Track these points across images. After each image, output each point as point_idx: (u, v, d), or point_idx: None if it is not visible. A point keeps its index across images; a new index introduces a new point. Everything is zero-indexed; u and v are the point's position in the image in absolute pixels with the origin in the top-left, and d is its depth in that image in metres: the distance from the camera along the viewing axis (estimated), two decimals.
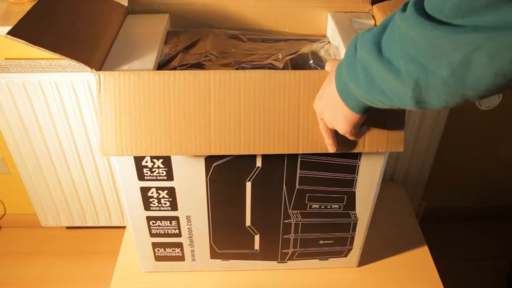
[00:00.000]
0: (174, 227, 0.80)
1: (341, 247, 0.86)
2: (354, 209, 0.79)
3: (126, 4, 0.80)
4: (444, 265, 1.03)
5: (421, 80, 0.39)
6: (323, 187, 0.75)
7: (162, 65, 0.73)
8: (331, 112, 0.57)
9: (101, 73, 0.61)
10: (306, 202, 0.77)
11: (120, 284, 0.89)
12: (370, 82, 0.46)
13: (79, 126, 1.15)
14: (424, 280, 0.91)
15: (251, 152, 0.64)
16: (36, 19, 0.59)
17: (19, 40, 0.53)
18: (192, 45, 0.79)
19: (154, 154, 0.64)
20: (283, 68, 0.73)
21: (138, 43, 0.71)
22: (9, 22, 1.05)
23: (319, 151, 0.65)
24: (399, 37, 0.40)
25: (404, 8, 0.40)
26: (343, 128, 0.57)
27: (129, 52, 0.68)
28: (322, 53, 0.78)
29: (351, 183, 0.75)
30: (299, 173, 0.72)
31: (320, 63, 0.75)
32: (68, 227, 1.46)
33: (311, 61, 0.76)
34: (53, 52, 0.56)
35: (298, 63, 0.76)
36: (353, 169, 0.72)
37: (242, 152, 0.64)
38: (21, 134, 1.16)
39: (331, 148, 0.65)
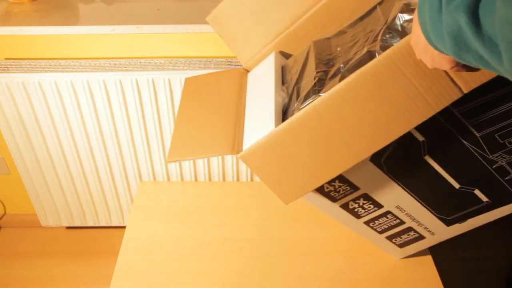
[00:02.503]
0: (393, 219, 0.81)
1: None
2: None
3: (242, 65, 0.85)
4: (444, 265, 1.03)
5: None
6: (507, 121, 0.67)
7: (285, 110, 0.75)
8: (427, 56, 0.52)
9: (242, 153, 0.68)
10: (502, 141, 0.70)
11: (120, 284, 0.89)
12: (462, 49, 0.38)
13: (79, 126, 1.15)
14: (424, 280, 0.91)
15: (392, 138, 0.63)
16: (179, 141, 0.75)
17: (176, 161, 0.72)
18: (302, 71, 0.78)
19: (318, 184, 0.69)
20: (382, 48, 0.67)
21: (258, 101, 0.77)
22: (9, 22, 1.05)
23: (453, 99, 0.59)
24: (499, 13, 0.32)
25: None
26: (446, 68, 0.51)
27: (254, 116, 0.74)
28: (414, 4, 0.69)
29: None
30: (469, 124, 0.67)
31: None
32: (68, 227, 1.46)
33: (404, 21, 0.67)
34: (196, 158, 0.71)
35: (393, 31, 0.69)
36: None
37: (383, 144, 0.64)
38: (21, 134, 1.16)
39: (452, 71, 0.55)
